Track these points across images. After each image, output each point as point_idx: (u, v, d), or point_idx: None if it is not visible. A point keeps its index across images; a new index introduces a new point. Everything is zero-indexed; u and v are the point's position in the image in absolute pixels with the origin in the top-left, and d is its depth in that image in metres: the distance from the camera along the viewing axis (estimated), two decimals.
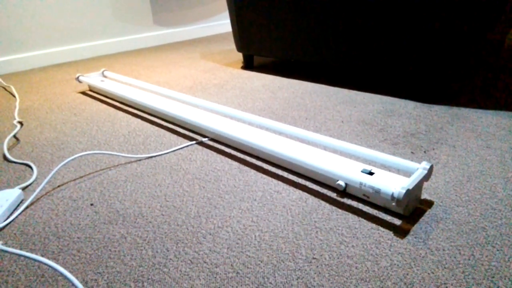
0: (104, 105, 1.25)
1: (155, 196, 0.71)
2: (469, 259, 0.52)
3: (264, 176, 0.77)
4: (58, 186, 0.76)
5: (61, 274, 0.46)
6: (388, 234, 0.58)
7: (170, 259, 0.55)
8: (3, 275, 0.53)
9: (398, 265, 0.52)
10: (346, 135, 0.94)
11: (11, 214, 0.67)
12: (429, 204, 0.65)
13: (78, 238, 0.60)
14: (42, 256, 0.57)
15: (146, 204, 0.69)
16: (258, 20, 1.47)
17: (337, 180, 0.69)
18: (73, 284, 0.46)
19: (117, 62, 1.94)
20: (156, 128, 1.04)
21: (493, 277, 0.49)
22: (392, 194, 0.58)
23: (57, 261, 0.56)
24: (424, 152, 0.84)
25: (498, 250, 0.54)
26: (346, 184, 0.69)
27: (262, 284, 0.50)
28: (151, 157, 0.87)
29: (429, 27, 1.05)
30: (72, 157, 0.77)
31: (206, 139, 0.95)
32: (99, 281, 0.52)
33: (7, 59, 1.81)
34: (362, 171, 0.68)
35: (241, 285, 0.50)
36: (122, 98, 1.26)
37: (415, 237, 0.57)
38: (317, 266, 0.52)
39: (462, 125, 0.97)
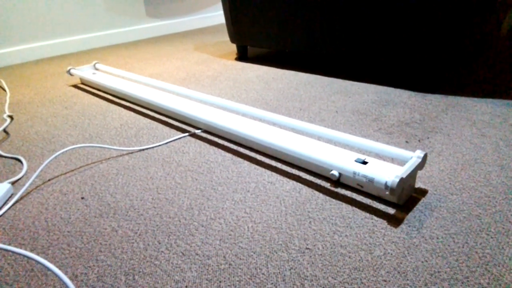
0: (96, 98, 1.23)
1: (147, 189, 0.70)
2: (463, 247, 0.52)
3: (258, 167, 0.76)
4: (49, 180, 0.75)
5: (49, 269, 0.45)
6: (382, 223, 0.58)
7: (162, 251, 0.54)
8: None
9: (391, 254, 0.52)
10: (341, 125, 0.93)
11: (0, 209, 0.66)
12: (423, 192, 0.65)
13: (68, 232, 0.59)
14: (32, 250, 0.56)
15: (137, 196, 0.68)
16: (251, 10, 1.45)
17: (331, 170, 0.69)
18: (60, 279, 0.46)
19: (110, 55, 1.91)
20: (149, 120, 1.03)
21: (487, 264, 0.49)
22: (386, 183, 0.57)
23: (46, 255, 0.55)
24: (419, 141, 0.83)
25: (492, 238, 0.53)
26: (340, 174, 0.68)
27: (254, 275, 0.49)
28: (143, 149, 0.86)
29: (422, 15, 1.03)
30: (63, 150, 0.76)
31: (199, 131, 0.94)
32: (89, 274, 0.51)
33: None
34: (356, 161, 0.68)
35: (233, 277, 0.49)
36: (114, 90, 1.25)
37: (409, 226, 0.57)
38: (310, 257, 0.52)
39: (457, 113, 0.96)
